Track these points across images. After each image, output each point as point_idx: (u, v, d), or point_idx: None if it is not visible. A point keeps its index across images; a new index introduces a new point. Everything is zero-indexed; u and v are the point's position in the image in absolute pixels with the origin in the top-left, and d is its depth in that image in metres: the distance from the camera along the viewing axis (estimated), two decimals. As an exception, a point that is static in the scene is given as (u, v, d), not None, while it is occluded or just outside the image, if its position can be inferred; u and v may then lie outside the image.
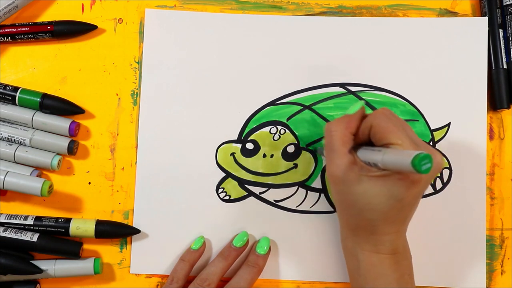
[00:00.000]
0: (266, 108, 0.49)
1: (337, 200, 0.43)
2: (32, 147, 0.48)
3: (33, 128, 0.48)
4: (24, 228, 0.46)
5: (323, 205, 0.49)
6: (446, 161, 0.48)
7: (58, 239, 0.47)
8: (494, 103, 0.49)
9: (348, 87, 0.49)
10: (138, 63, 0.50)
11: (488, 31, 0.49)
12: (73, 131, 0.48)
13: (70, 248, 0.47)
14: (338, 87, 0.49)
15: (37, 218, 0.47)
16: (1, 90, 0.48)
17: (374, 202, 0.39)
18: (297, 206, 0.49)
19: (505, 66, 0.49)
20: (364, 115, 0.42)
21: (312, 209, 0.49)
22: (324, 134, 0.42)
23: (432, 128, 0.49)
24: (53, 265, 0.47)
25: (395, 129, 0.38)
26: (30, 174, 0.47)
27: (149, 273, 0.49)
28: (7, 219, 0.47)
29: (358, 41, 0.49)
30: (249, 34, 0.50)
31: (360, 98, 0.49)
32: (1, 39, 0.49)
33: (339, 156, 0.40)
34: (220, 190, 0.49)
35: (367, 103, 0.49)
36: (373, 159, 0.38)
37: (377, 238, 0.41)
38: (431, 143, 0.48)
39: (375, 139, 0.40)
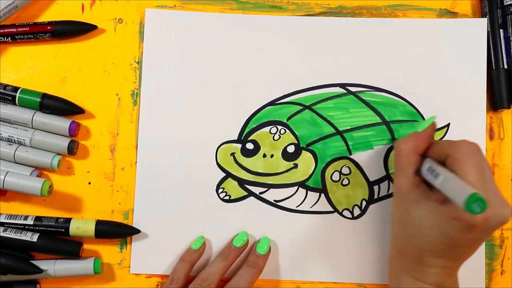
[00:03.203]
0: (266, 108, 0.49)
1: (393, 218, 0.43)
2: (32, 147, 0.48)
3: (33, 128, 0.48)
4: (24, 228, 0.46)
5: (323, 205, 0.49)
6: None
7: (58, 239, 0.47)
8: (494, 103, 0.49)
9: (348, 87, 0.49)
10: (138, 63, 0.50)
11: (488, 32, 0.49)
12: (73, 131, 0.48)
13: (70, 248, 0.47)
14: (338, 87, 0.49)
15: (37, 218, 0.47)
16: (1, 90, 0.48)
17: (425, 231, 0.39)
18: (297, 206, 0.49)
19: (505, 66, 0.49)
20: (434, 131, 0.42)
21: (312, 209, 0.49)
22: (394, 151, 0.43)
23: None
24: (53, 265, 0.47)
25: (470, 170, 0.37)
26: (30, 174, 0.47)
27: (149, 273, 0.49)
28: (7, 219, 0.47)
29: (358, 42, 0.49)
30: (249, 34, 0.50)
31: (360, 99, 0.49)
32: (1, 39, 0.49)
33: (403, 176, 0.41)
34: (220, 190, 0.49)
35: (367, 104, 0.49)
36: (434, 182, 0.38)
37: (422, 268, 0.40)
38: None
39: (449, 169, 0.39)
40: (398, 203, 0.42)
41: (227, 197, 0.49)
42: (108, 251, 0.49)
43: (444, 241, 0.38)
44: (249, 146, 0.49)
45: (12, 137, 0.47)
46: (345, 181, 0.49)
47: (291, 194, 0.49)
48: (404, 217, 0.41)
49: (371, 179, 0.49)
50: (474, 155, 0.39)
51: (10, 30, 0.49)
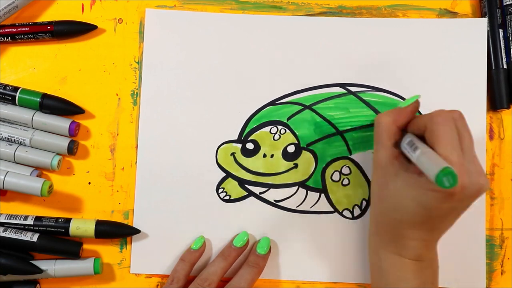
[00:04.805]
0: (266, 108, 0.49)
1: (373, 193, 0.43)
2: (32, 147, 0.48)
3: (33, 128, 0.48)
4: (24, 228, 0.46)
5: (323, 205, 0.49)
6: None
7: (58, 239, 0.47)
8: (494, 103, 0.49)
9: (348, 87, 0.49)
10: (138, 63, 0.50)
11: (488, 31, 0.49)
12: (73, 131, 0.48)
13: (70, 248, 0.47)
14: (338, 87, 0.49)
15: (37, 218, 0.47)
16: (1, 90, 0.48)
17: (403, 203, 0.39)
18: (297, 206, 0.49)
19: (505, 66, 0.49)
20: (417, 109, 0.42)
21: (312, 209, 0.49)
22: (374, 124, 0.43)
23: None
24: (53, 265, 0.47)
25: (445, 140, 0.37)
26: (30, 174, 0.47)
27: (149, 273, 0.49)
28: (7, 219, 0.47)
29: (358, 42, 0.49)
30: (249, 34, 0.50)
31: (360, 99, 0.49)
32: (1, 39, 0.49)
33: (382, 148, 0.41)
34: (220, 190, 0.49)
35: (368, 104, 0.49)
36: (410, 156, 0.38)
37: (401, 241, 0.40)
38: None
39: (427, 142, 0.39)
40: (377, 176, 0.42)
41: (227, 197, 0.49)
42: (108, 251, 0.49)
43: (422, 212, 0.38)
44: (249, 146, 0.49)
45: (12, 137, 0.47)
46: (345, 181, 0.49)
47: (291, 194, 0.49)
48: (383, 190, 0.41)
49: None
50: (450, 125, 0.38)
51: (10, 30, 0.49)
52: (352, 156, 0.49)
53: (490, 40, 0.49)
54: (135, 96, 0.50)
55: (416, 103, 0.43)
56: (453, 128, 0.38)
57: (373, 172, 0.43)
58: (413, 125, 0.42)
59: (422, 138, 0.40)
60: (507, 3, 0.49)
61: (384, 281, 0.41)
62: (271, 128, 0.49)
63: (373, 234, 0.43)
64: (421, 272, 0.40)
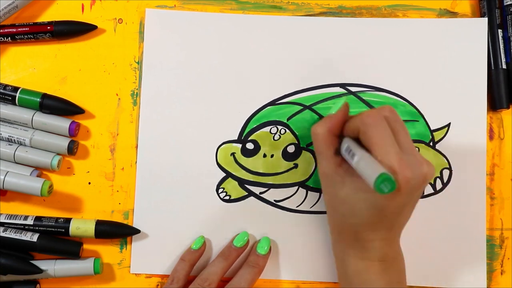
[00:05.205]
0: (266, 108, 0.49)
1: (325, 201, 0.44)
2: (32, 147, 0.48)
3: (33, 128, 0.48)
4: (24, 228, 0.46)
5: (324, 205, 0.49)
6: (445, 161, 0.48)
7: (58, 239, 0.47)
8: (494, 103, 0.49)
9: (348, 87, 0.49)
10: (138, 63, 0.50)
11: (488, 31, 0.49)
12: (73, 131, 0.48)
13: (70, 248, 0.47)
14: (338, 88, 0.49)
15: (37, 218, 0.47)
16: (1, 90, 0.48)
17: (356, 207, 0.39)
18: (297, 206, 0.49)
19: (504, 67, 0.49)
20: (347, 112, 0.42)
21: (312, 209, 0.49)
22: (311, 136, 0.43)
23: (432, 129, 0.49)
24: (53, 265, 0.47)
25: (380, 141, 0.37)
26: (30, 174, 0.47)
27: (149, 273, 0.49)
28: (7, 219, 0.47)
29: (358, 42, 0.49)
30: (249, 34, 0.50)
31: (361, 99, 0.49)
32: (1, 39, 0.49)
33: (324, 158, 0.41)
34: (220, 190, 0.49)
35: (368, 104, 0.49)
36: (350, 161, 0.38)
37: (362, 244, 0.40)
38: (431, 144, 0.49)
39: (363, 144, 0.39)
40: (325, 186, 0.43)
41: (227, 197, 0.49)
42: (108, 251, 0.49)
43: (375, 212, 0.38)
44: (249, 146, 0.49)
45: (12, 137, 0.47)
46: (345, 181, 0.49)
47: (291, 194, 0.49)
48: (333, 198, 0.41)
49: (371, 179, 0.49)
50: (381, 124, 0.38)
51: (10, 30, 0.49)
52: (352, 156, 0.49)
53: (490, 40, 0.49)
54: (135, 96, 0.50)
55: (345, 107, 0.42)
56: (385, 126, 0.38)
57: (321, 182, 0.43)
58: (347, 129, 0.41)
59: (358, 140, 0.40)
60: (507, 3, 0.49)
61: (351, 286, 0.41)
62: (271, 128, 0.49)
63: (335, 242, 0.44)
64: (386, 272, 0.40)
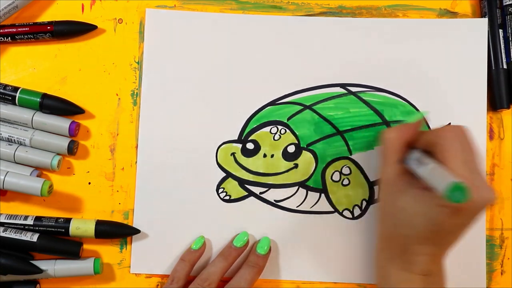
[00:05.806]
0: (266, 108, 0.49)
1: (379, 207, 0.44)
2: (32, 147, 0.48)
3: (33, 128, 0.48)
4: (24, 228, 0.46)
5: (323, 205, 0.49)
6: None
7: (58, 239, 0.47)
8: (494, 103, 0.49)
9: (348, 87, 0.49)
10: (138, 63, 0.50)
11: (488, 32, 0.49)
12: (73, 131, 0.48)
13: (70, 248, 0.47)
14: (339, 88, 0.49)
15: (37, 218, 0.47)
16: (1, 90, 0.48)
17: (412, 219, 0.39)
18: (297, 206, 0.49)
19: (505, 66, 0.49)
20: (421, 125, 0.42)
21: (312, 209, 0.49)
22: (380, 139, 0.43)
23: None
24: (53, 265, 0.47)
25: (455, 155, 0.37)
26: (30, 174, 0.47)
27: (149, 273, 0.49)
28: (7, 219, 0.47)
29: (358, 42, 0.49)
30: (249, 34, 0.50)
31: (361, 99, 0.49)
32: (1, 39, 0.49)
33: (388, 164, 0.41)
34: (220, 190, 0.49)
35: (368, 104, 0.49)
36: (419, 172, 0.38)
37: (408, 257, 0.40)
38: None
39: (436, 157, 0.39)
40: (384, 193, 0.43)
41: (227, 197, 0.49)
42: (108, 251, 0.49)
43: (431, 227, 0.38)
44: (250, 146, 0.49)
45: (12, 137, 0.47)
46: (346, 181, 0.49)
47: (291, 194, 0.49)
48: (390, 206, 0.41)
49: (372, 179, 0.49)
50: (458, 140, 0.39)
51: (10, 30, 0.49)
52: (352, 156, 0.49)
53: (490, 40, 0.49)
54: (135, 96, 0.50)
55: (422, 120, 0.43)
56: (461, 142, 0.39)
57: (379, 189, 0.43)
58: (421, 141, 0.42)
59: (428, 153, 0.40)
60: (507, 3, 0.49)
61: None
62: (271, 128, 0.49)
63: (381, 250, 0.43)
64: (428, 286, 0.40)
